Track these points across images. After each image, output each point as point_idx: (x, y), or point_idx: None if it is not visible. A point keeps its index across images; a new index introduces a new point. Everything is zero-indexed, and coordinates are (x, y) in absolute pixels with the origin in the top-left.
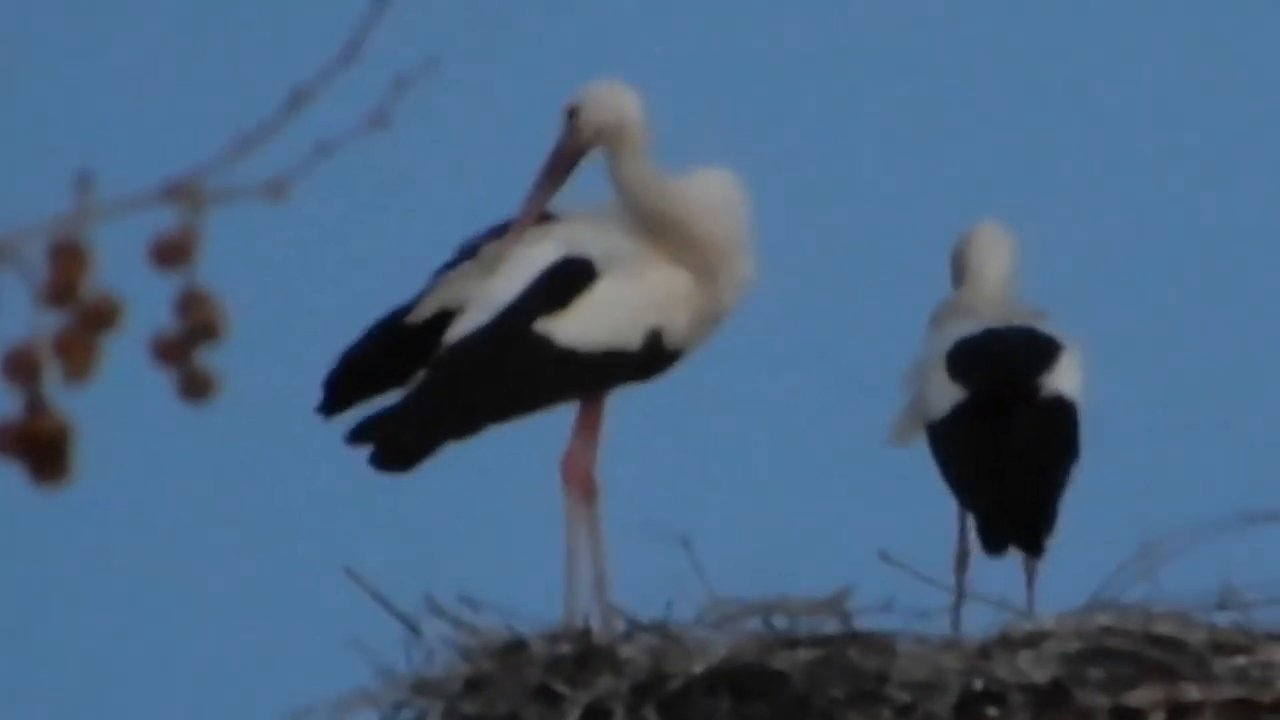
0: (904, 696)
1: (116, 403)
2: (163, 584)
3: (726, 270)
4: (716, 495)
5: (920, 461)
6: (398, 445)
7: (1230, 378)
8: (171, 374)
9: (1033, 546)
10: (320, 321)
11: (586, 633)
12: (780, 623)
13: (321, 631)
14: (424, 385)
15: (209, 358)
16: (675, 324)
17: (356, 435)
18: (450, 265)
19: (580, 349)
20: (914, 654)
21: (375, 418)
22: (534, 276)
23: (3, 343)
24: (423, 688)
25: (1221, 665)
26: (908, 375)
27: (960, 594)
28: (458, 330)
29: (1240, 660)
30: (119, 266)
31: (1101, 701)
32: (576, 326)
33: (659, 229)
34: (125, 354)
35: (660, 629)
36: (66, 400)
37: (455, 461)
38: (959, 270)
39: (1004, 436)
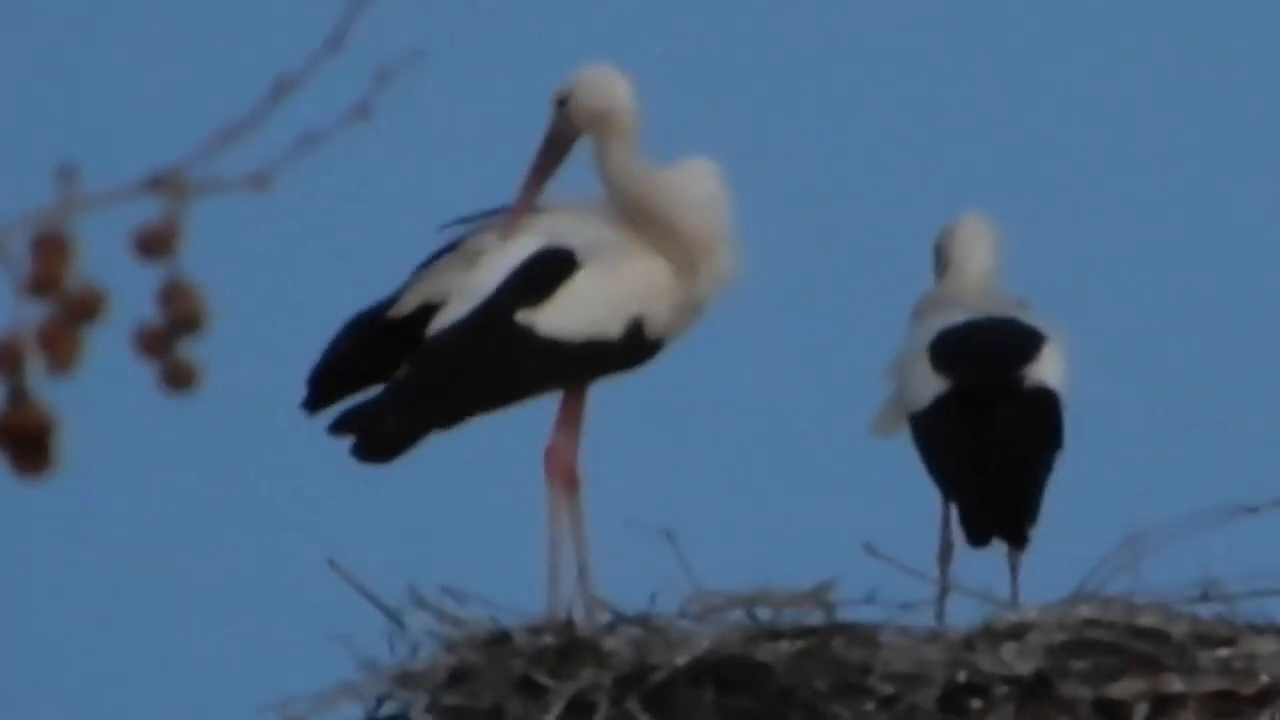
0: (887, 688)
1: (99, 394)
2: (145, 576)
3: (708, 262)
4: (700, 487)
5: (903, 453)
6: (379, 436)
7: (1215, 371)
8: (154, 365)
9: (1016, 537)
10: (303, 313)
11: (570, 625)
12: (764, 615)
13: (305, 624)
14: (406, 376)
15: (191, 349)
16: (656, 314)
17: (338, 426)
18: (432, 258)
19: (561, 339)
20: (898, 646)
21: (357, 409)
22: (515, 267)
23: None
24: (406, 680)
25: (1205, 657)
26: (891, 367)
27: (944, 586)
28: (440, 322)
29: (1223, 652)
30: (102, 258)
31: (1085, 693)
32: (558, 317)
33: (641, 219)
34: (108, 345)
35: (644, 621)
36: (50, 392)
37: (438, 454)
38: (942, 262)
39: (987, 428)
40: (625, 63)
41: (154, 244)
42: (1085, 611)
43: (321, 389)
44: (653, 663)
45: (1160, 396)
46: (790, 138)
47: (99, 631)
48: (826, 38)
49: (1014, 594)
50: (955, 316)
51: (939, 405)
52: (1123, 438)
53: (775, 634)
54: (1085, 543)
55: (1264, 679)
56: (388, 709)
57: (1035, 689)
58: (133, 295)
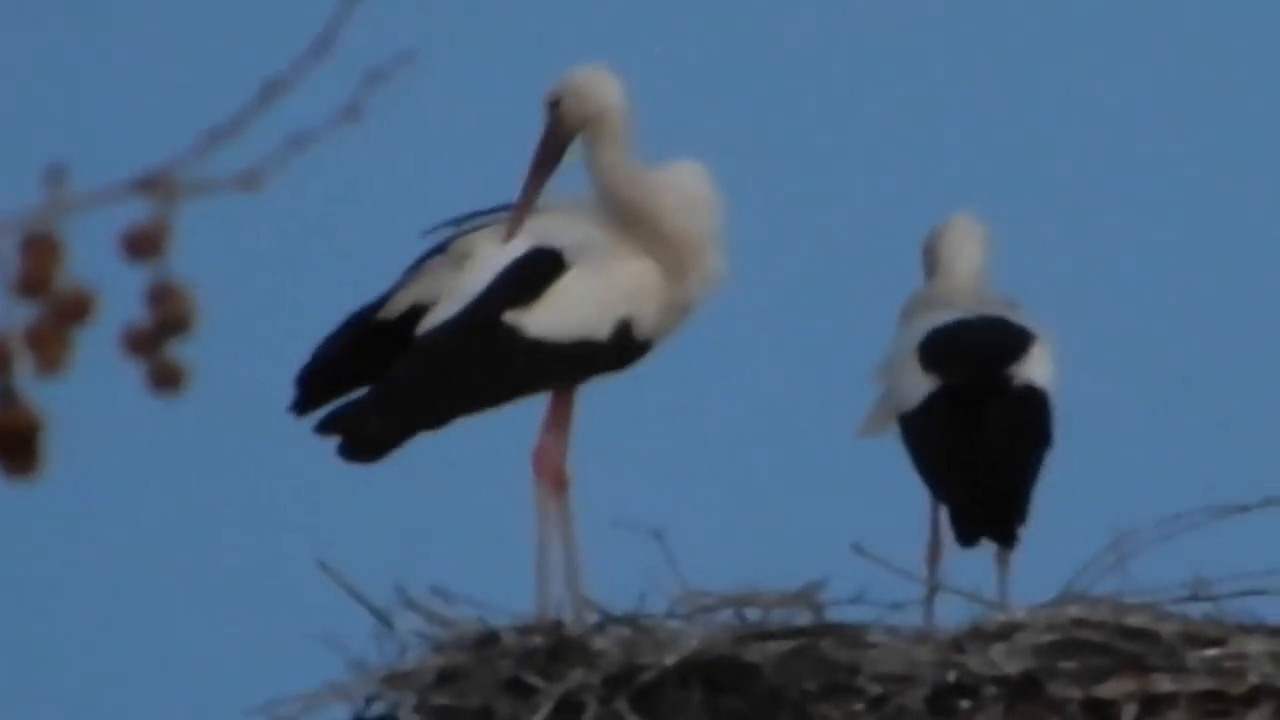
0: (876, 689)
1: (88, 395)
2: (133, 577)
3: (696, 264)
4: (689, 487)
5: (892, 453)
6: (365, 436)
7: (1203, 372)
8: (142, 366)
9: (1005, 537)
10: (292, 314)
11: (559, 625)
12: (752, 615)
13: (293, 624)
14: (394, 376)
15: (180, 350)
16: (644, 315)
17: (325, 426)
18: (422, 261)
19: (550, 340)
20: (886, 646)
21: (344, 408)
22: (503, 268)
23: None
24: (395, 680)
25: (1193, 657)
26: (880, 368)
27: (933, 586)
28: (429, 323)
29: (1212, 652)
30: (91, 259)
31: (1074, 693)
32: (546, 317)
33: (630, 220)
34: (97, 346)
35: (632, 621)
36: (38, 392)
37: (427, 454)
38: (931, 263)
39: (976, 427)
40: (617, 63)
41: (143, 245)
42: (1074, 611)
43: (311, 390)
44: (641, 663)
45: (1149, 396)
46: (779, 138)
47: (87, 632)
48: (817, 38)
49: (1003, 594)
50: (944, 316)
51: (928, 404)
52: (1112, 437)
53: (764, 634)
54: (1074, 543)
55: (1253, 679)
56: (376, 709)
57: (1024, 689)
58: (122, 296)
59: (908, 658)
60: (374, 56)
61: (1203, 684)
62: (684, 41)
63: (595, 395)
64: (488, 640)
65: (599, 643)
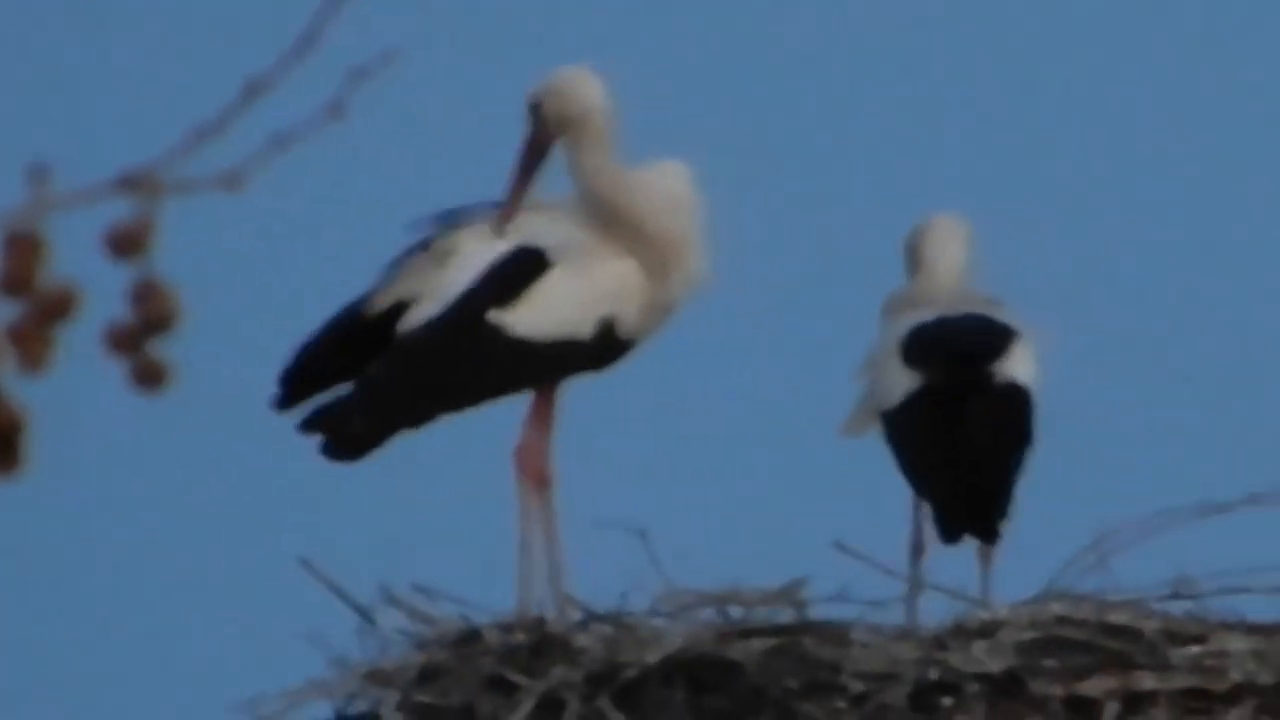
0: (859, 686)
1: (71, 393)
2: (115, 575)
3: (678, 264)
4: (672, 485)
5: (875, 451)
6: (347, 434)
7: (1185, 369)
8: (126, 364)
9: (987, 534)
10: (275, 313)
11: (541, 622)
12: (735, 613)
13: (276, 621)
14: (376, 374)
15: (163, 348)
16: (627, 314)
17: (308, 424)
18: (404, 258)
19: (532, 339)
20: (869, 644)
21: (327, 407)
22: (487, 267)
23: None
24: (377, 678)
25: (1176, 654)
26: (862, 365)
27: (915, 583)
28: (411, 321)
29: (1194, 649)
30: (74, 257)
31: (1056, 691)
32: (529, 316)
33: (612, 221)
34: (80, 344)
35: (615, 619)
36: (21, 390)
37: (410, 452)
38: (913, 261)
39: (958, 424)
40: (603, 61)
41: (126, 243)
42: (1056, 609)
43: (293, 387)
44: (624, 661)
45: (1131, 394)
46: (763, 137)
47: (69, 630)
48: (804, 37)
49: (985, 591)
50: (927, 314)
51: (910, 402)
52: (1094, 435)
53: (746, 632)
54: (1056, 540)
55: (1235, 676)
56: (358, 707)
57: (1006, 687)
58: (105, 294)
59: (890, 655)
60: (357, 55)
61: (1185, 681)
62: (669, 41)
63: (578, 394)
64: (470, 638)
65: (581, 640)
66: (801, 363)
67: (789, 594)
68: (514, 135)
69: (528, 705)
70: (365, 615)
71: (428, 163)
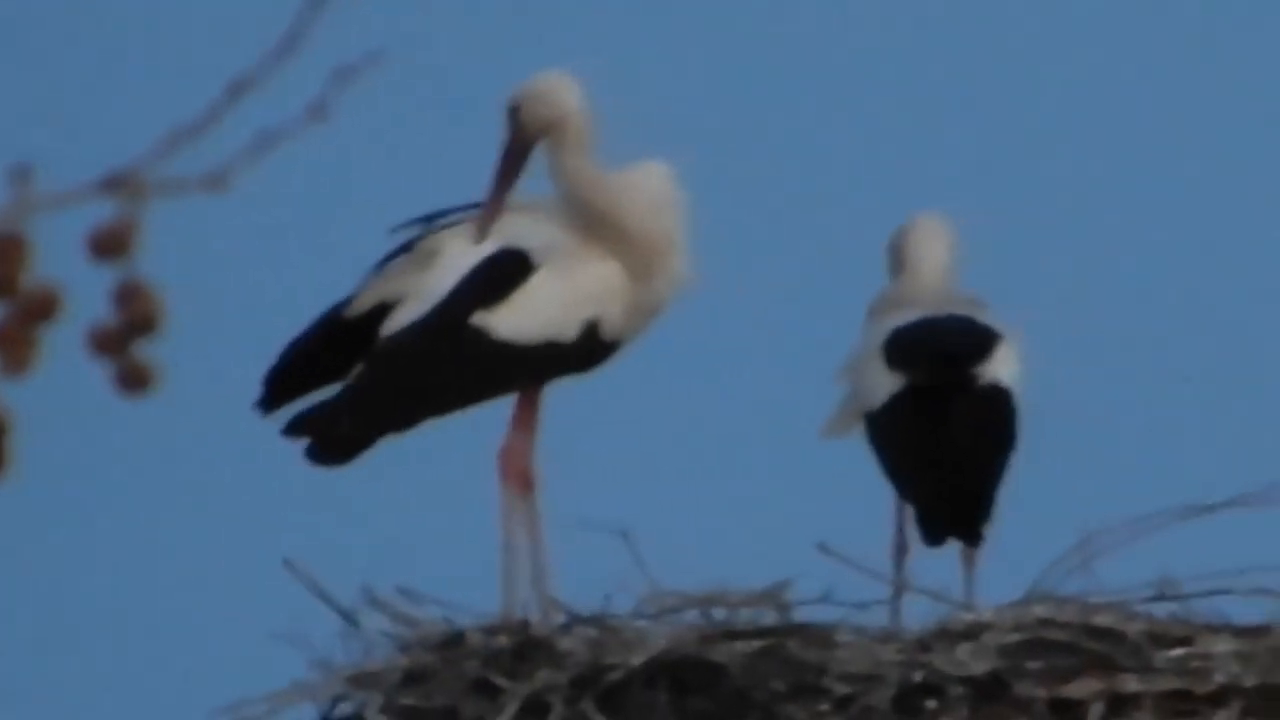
0: (843, 688)
1: (55, 395)
2: (98, 577)
3: (662, 265)
4: (655, 487)
5: (858, 452)
6: (334, 437)
7: (1169, 371)
8: (110, 366)
9: (971, 536)
10: (260, 314)
11: (525, 625)
12: (719, 615)
13: (259, 624)
14: (361, 378)
15: (147, 350)
16: (611, 316)
17: (293, 427)
18: (388, 259)
19: (517, 341)
20: (853, 646)
21: (312, 410)
22: (470, 269)
23: None
24: (360, 680)
25: (1160, 657)
26: (845, 367)
27: (899, 586)
28: (395, 323)
29: (1179, 652)
30: (58, 258)
31: (1040, 693)
32: (513, 319)
33: (595, 223)
34: (64, 346)
35: (599, 621)
36: (6, 392)
37: (394, 454)
38: (897, 262)
39: (942, 426)
40: (585, 62)
41: (110, 244)
42: (1040, 611)
43: (277, 389)
44: (608, 663)
45: (1115, 395)
46: (746, 140)
47: (51, 631)
48: (789, 37)
49: (969, 594)
50: (910, 315)
51: (894, 403)
52: (1078, 437)
53: (731, 634)
54: (1040, 542)
55: (1219, 679)
56: (342, 710)
57: (990, 689)
58: (89, 296)
59: (874, 657)
60: (342, 55)
61: (1169, 684)
62: (654, 42)
63: (562, 396)
64: (454, 640)
65: (565, 643)
66: (785, 364)
67: (773, 596)
68: (499, 136)
69: (512, 708)
70: (349, 618)
71: (412, 164)
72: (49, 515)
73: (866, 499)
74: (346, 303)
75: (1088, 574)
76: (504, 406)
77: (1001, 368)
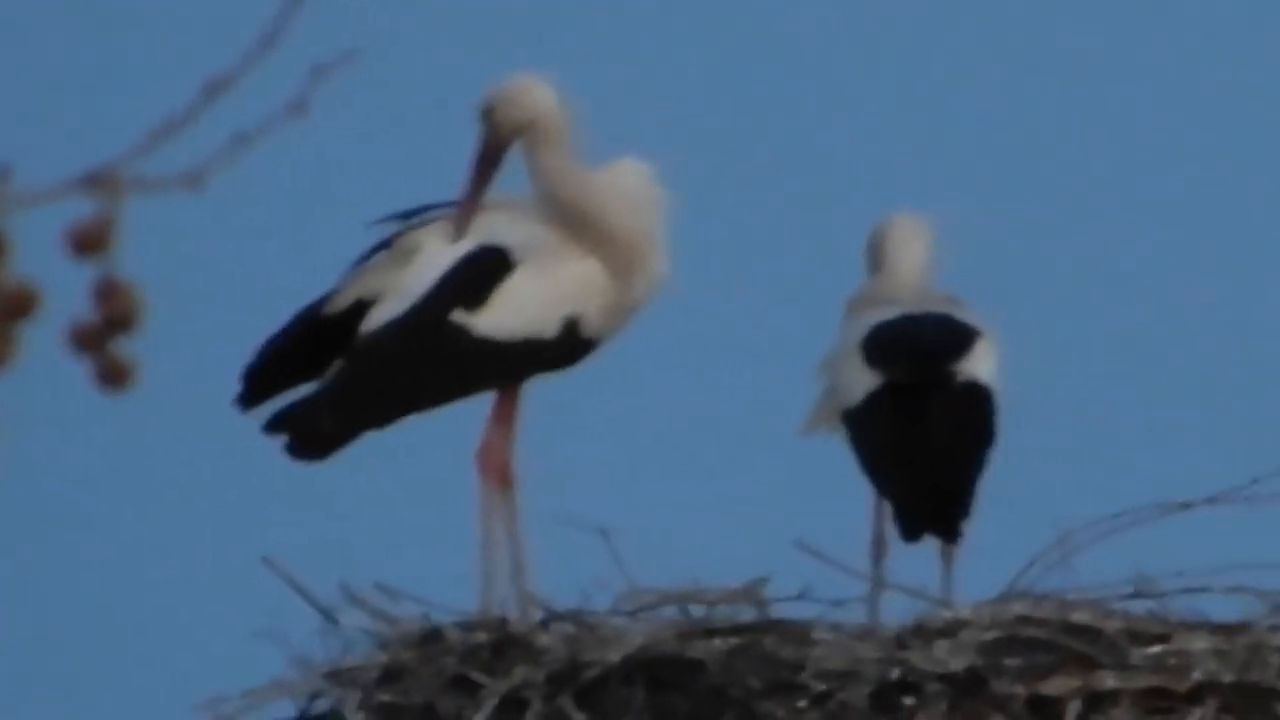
0: (820, 685)
1: (34, 392)
2: (77, 573)
3: (641, 263)
4: (634, 485)
5: (836, 450)
6: (313, 434)
7: (1146, 368)
8: (89, 363)
9: (949, 533)
10: (238, 311)
11: (503, 622)
12: (697, 612)
13: (238, 620)
14: (341, 374)
15: (126, 347)
16: (590, 314)
17: (273, 424)
18: (367, 256)
19: (496, 338)
20: (830, 643)
21: (291, 407)
22: (450, 267)
23: None
24: (339, 677)
25: (1137, 654)
26: (823, 364)
27: (877, 583)
28: (374, 320)
29: (1156, 649)
30: (37, 256)
31: (1018, 690)
32: (493, 316)
33: (574, 222)
34: (43, 343)
35: (577, 618)
36: None
37: (373, 451)
38: (875, 260)
39: (920, 423)
40: (560, 58)
41: (89, 242)
42: (1018, 608)
43: (256, 385)
44: (586, 660)
45: (1092, 393)
46: (725, 138)
47: (31, 628)
48: (777, 37)
49: (947, 591)
50: (888, 312)
51: (872, 401)
52: (1055, 434)
53: (708, 631)
54: (1018, 540)
55: (1196, 676)
56: (320, 706)
57: (968, 686)
58: (67, 293)
59: (852, 654)
60: (320, 53)
61: (1147, 681)
62: (634, 41)
63: (541, 393)
64: (432, 637)
65: (543, 640)
66: (763, 362)
67: (751, 593)
68: (475, 135)
69: (490, 705)
70: (327, 615)
71: (390, 161)
72: (28, 512)
73: (844, 496)
74: (325, 299)
75: (1066, 571)
76: (483, 403)
77: (980, 365)
